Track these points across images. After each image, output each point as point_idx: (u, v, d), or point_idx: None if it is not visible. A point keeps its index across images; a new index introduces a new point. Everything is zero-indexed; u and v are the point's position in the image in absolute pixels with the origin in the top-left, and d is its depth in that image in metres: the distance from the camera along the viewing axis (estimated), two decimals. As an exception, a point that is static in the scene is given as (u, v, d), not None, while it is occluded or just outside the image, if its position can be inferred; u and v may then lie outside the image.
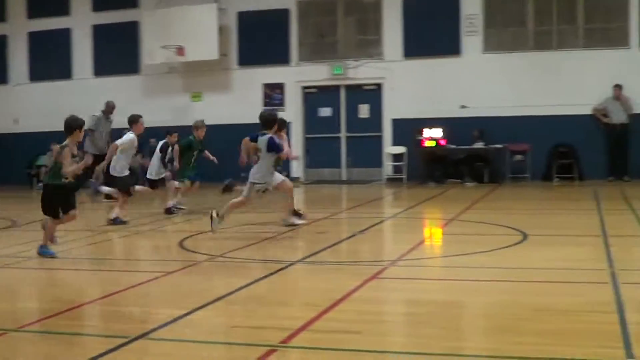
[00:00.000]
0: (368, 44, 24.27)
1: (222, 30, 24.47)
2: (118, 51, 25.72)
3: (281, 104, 24.51)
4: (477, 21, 23.11)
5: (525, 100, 22.21)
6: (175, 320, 6.59)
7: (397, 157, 23.75)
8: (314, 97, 24.59)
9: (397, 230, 13.69)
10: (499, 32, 23.14)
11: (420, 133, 22.86)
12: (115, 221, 13.81)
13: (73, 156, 10.12)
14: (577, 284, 8.02)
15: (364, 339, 5.99)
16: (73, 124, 10.17)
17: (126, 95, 23.61)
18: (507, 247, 10.39)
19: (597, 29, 22.54)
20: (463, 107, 22.82)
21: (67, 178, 10.15)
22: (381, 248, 11.71)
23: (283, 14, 24.59)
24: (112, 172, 14.46)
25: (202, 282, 8.54)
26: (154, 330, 6.31)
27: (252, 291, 7.90)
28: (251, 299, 7.65)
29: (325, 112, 24.24)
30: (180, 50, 23.98)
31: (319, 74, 24.34)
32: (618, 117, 21.79)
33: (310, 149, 24.36)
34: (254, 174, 12.11)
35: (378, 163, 23.90)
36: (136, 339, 5.98)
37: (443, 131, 22.71)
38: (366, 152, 23.95)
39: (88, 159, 10.61)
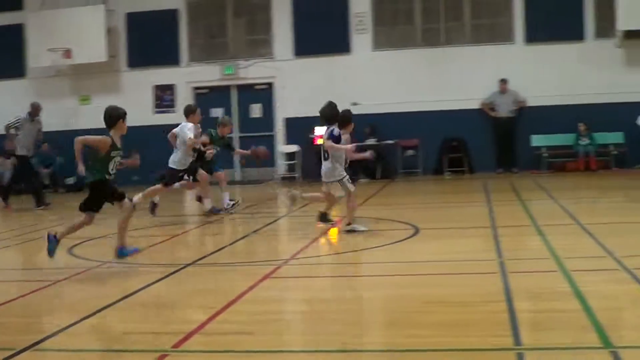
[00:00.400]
0: (258, 43, 24.26)
1: (110, 32, 24.09)
2: (3, 54, 25.03)
3: (172, 105, 24.29)
4: (366, 19, 23.34)
5: (415, 96, 22.52)
6: (65, 329, 6.43)
7: (290, 156, 23.80)
8: (206, 97, 24.42)
9: (291, 229, 13.71)
10: (388, 29, 23.42)
11: (313, 131, 22.94)
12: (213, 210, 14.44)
13: (116, 148, 9.22)
14: (468, 275, 8.15)
15: (257, 340, 5.97)
16: (114, 114, 9.31)
17: (12, 100, 22.93)
18: (399, 241, 10.51)
19: (483, 25, 23.05)
20: (354, 104, 22.92)
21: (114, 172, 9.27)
22: (275, 247, 11.67)
23: (172, 14, 24.37)
24: (171, 164, 14.01)
25: (93, 289, 8.35)
26: (43, 340, 6.14)
27: (145, 296, 7.79)
28: (144, 304, 7.53)
29: (217, 112, 24.06)
30: (66, 53, 23.50)
31: (210, 74, 24.22)
32: (504, 110, 22.30)
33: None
34: (326, 172, 11.60)
35: (271, 162, 23.89)
36: (24, 350, 5.81)
37: (335, 129, 22.78)
38: (259, 151, 23.88)
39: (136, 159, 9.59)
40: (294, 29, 23.67)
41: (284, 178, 23.68)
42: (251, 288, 7.76)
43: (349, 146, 11.66)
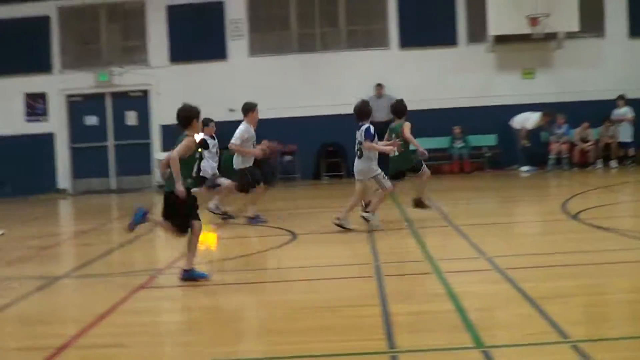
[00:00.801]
0: (133, 50, 23.84)
1: (-23, 40, 23.34)
2: None
3: (44, 113, 23.67)
4: (242, 25, 23.24)
5: (292, 101, 22.54)
6: None
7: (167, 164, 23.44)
8: (79, 105, 23.88)
9: (168, 238, 13.46)
10: (264, 35, 23.39)
11: (190, 138, 22.71)
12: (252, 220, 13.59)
13: (198, 147, 8.67)
14: (343, 279, 8.18)
15: (131, 352, 5.85)
16: (189, 114, 8.61)
17: None
18: (276, 247, 10.50)
19: (359, 31, 23.26)
20: (231, 110, 22.83)
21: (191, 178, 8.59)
22: (150, 257, 11.47)
23: (43, 21, 23.71)
24: (236, 166, 13.61)
25: (-41, 306, 8.06)
26: None
27: (15, 311, 7.54)
28: (13, 319, 7.31)
29: (91, 120, 23.59)
30: None
31: (83, 81, 23.62)
32: (381, 115, 22.51)
33: (78, 159, 23.60)
34: (361, 171, 11.67)
35: (147, 170, 23.53)
36: None
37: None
38: (135, 159, 23.50)
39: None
40: (170, 35, 23.35)
41: (161, 186, 23.34)
42: (125, 299, 7.61)
43: (388, 147, 11.93)
